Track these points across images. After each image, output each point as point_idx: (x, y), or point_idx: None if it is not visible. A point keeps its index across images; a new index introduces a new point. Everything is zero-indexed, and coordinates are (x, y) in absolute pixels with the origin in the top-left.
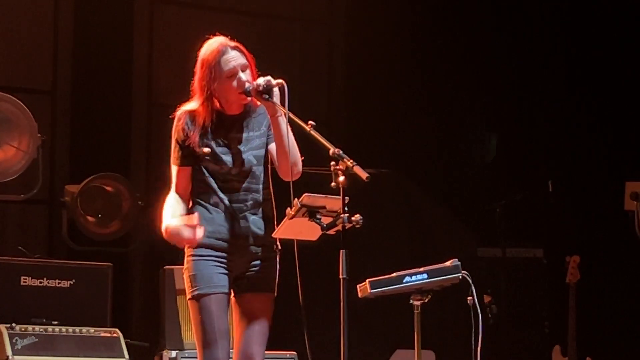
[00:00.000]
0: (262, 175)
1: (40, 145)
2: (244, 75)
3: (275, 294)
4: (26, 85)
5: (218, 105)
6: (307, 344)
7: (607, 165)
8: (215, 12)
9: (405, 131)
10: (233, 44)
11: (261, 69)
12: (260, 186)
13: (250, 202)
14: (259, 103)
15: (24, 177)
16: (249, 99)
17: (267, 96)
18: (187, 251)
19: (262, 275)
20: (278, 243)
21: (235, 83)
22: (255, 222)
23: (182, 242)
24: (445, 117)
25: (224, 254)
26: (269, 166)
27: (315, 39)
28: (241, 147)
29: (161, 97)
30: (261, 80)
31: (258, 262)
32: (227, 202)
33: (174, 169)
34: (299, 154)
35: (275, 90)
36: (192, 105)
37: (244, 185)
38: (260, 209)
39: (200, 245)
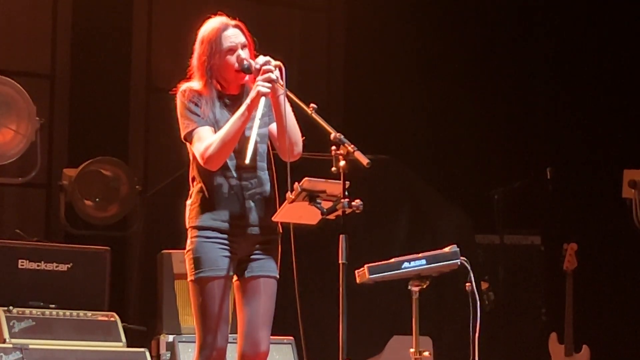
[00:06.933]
0: (265, 154)
1: (38, 128)
2: (243, 53)
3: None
4: (25, 68)
5: (218, 86)
6: (301, 329)
7: (606, 152)
8: None
9: (403, 118)
10: (234, 22)
11: (261, 54)
12: (265, 164)
13: (255, 179)
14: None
15: (22, 160)
16: (246, 78)
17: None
18: (191, 232)
19: (266, 258)
20: (279, 226)
21: (234, 59)
22: (259, 204)
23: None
24: (444, 104)
25: (229, 236)
26: (271, 149)
27: (315, 25)
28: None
29: (160, 82)
30: (260, 59)
31: (262, 245)
32: (233, 181)
33: (198, 132)
34: (299, 135)
35: (276, 71)
36: (193, 84)
37: (250, 163)
38: (264, 189)
39: (205, 227)
